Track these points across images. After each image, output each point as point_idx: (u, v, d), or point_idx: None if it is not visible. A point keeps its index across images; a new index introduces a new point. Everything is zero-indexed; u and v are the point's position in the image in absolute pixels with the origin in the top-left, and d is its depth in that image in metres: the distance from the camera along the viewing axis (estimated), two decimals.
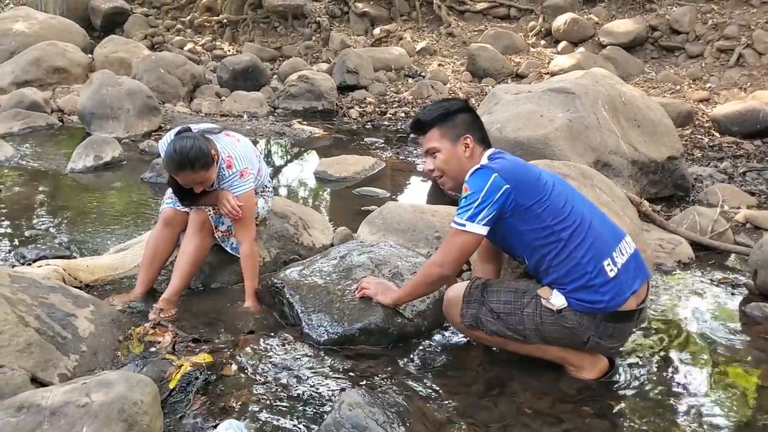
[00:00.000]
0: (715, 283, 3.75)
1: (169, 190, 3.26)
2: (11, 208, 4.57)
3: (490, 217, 2.42)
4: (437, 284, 2.77)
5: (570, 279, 2.46)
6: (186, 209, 3.26)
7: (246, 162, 3.17)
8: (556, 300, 2.48)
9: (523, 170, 2.52)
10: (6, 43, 9.59)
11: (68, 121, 7.43)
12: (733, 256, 4.20)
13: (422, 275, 2.69)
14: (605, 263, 2.46)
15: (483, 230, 2.45)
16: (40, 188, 5.13)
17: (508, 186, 2.41)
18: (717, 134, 7.58)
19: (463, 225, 2.45)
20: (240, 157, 3.15)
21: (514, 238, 2.55)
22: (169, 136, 3.05)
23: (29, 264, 3.41)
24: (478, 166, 2.49)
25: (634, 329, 2.80)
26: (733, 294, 3.62)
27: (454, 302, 2.69)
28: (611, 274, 2.46)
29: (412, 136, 7.33)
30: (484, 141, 2.63)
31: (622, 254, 2.54)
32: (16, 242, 3.94)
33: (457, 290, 2.71)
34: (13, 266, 3.44)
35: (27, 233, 4.07)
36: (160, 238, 3.27)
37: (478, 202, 2.42)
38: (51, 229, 4.19)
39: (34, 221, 4.34)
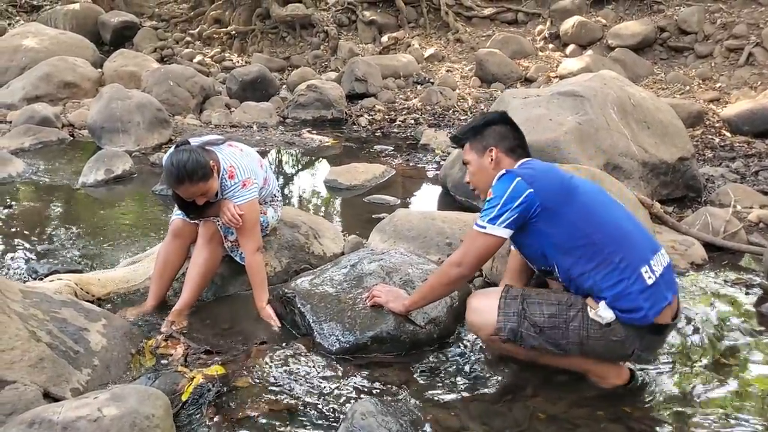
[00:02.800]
0: (729, 284, 3.71)
1: None
2: (23, 223, 4.60)
3: (511, 219, 2.41)
4: (454, 285, 2.73)
5: (607, 285, 2.39)
6: (195, 221, 3.26)
7: (249, 172, 3.17)
8: (605, 312, 2.39)
9: (549, 174, 2.51)
10: (17, 59, 9.69)
11: (79, 136, 7.48)
12: (746, 256, 4.16)
13: (439, 276, 2.65)
14: (643, 270, 2.41)
15: (504, 233, 2.44)
16: (52, 203, 5.17)
17: (531, 190, 2.39)
18: (728, 134, 7.52)
19: (484, 227, 2.44)
20: (243, 167, 3.15)
21: (544, 243, 2.48)
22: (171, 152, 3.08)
23: (41, 279, 3.43)
24: (503, 171, 2.50)
25: None
26: (747, 294, 3.58)
27: (483, 311, 2.56)
28: (649, 282, 2.40)
29: (422, 142, 7.34)
30: (515, 151, 2.62)
31: (659, 264, 2.48)
32: (28, 257, 3.96)
33: (484, 300, 2.60)
34: (25, 281, 3.46)
35: (39, 248, 4.09)
36: (170, 250, 3.28)
37: (499, 205, 2.41)
38: (63, 244, 4.21)
39: (46, 236, 4.36)
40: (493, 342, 2.60)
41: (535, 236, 2.49)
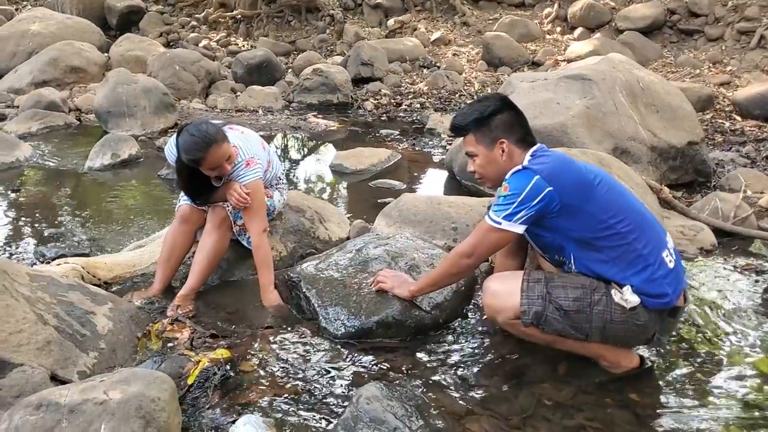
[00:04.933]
0: (739, 270, 3.69)
1: None
2: (30, 208, 4.61)
3: (528, 216, 2.37)
4: (462, 275, 2.74)
5: (633, 272, 2.38)
6: (202, 207, 3.26)
7: (251, 152, 3.16)
8: (631, 297, 2.37)
9: (566, 169, 2.43)
10: (24, 44, 9.65)
11: (85, 120, 7.47)
12: (756, 241, 4.13)
13: (448, 265, 2.62)
14: (664, 254, 2.43)
15: (519, 229, 2.40)
16: (59, 187, 5.17)
17: (551, 188, 2.33)
18: (738, 118, 7.45)
19: (500, 223, 2.39)
20: (244, 147, 3.15)
21: (563, 236, 2.45)
22: (173, 140, 3.07)
23: (48, 262, 3.44)
24: (519, 167, 2.42)
25: None
26: (757, 281, 3.56)
27: (503, 295, 2.51)
28: (671, 265, 2.43)
29: (428, 127, 7.29)
30: (525, 140, 2.53)
31: (672, 246, 2.51)
32: (36, 241, 3.97)
33: (504, 283, 2.56)
34: (33, 265, 3.47)
35: (46, 232, 4.10)
36: (177, 236, 3.27)
37: (516, 204, 2.36)
38: (69, 227, 4.22)
39: (53, 220, 4.37)
40: (513, 326, 2.54)
41: (553, 230, 2.45)
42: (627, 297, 2.38)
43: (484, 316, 2.94)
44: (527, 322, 2.45)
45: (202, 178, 3.12)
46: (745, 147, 6.33)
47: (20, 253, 3.79)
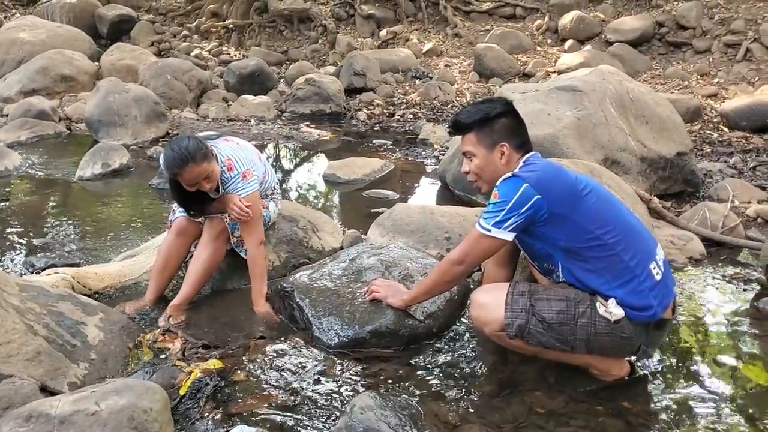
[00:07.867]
0: (727, 279, 3.72)
1: None
2: (20, 217, 4.58)
3: (517, 224, 2.38)
4: (454, 282, 2.73)
5: (619, 283, 2.39)
6: (198, 219, 3.25)
7: (248, 163, 3.15)
8: (616, 309, 2.38)
9: (555, 177, 2.44)
10: (13, 52, 9.62)
11: (76, 129, 7.44)
12: (744, 251, 4.16)
13: (440, 273, 2.62)
14: (651, 266, 2.43)
15: (509, 236, 2.41)
16: (49, 196, 5.14)
17: (540, 196, 2.34)
18: (726, 129, 7.53)
19: (489, 230, 2.40)
20: (240, 159, 3.14)
21: (550, 245, 2.46)
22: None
23: (38, 272, 3.42)
24: (509, 174, 2.42)
25: None
26: (745, 290, 3.58)
27: (489, 307, 2.54)
28: (658, 278, 2.43)
29: (421, 137, 7.31)
30: (524, 146, 2.54)
31: (661, 258, 2.52)
32: (26, 251, 3.95)
33: (490, 295, 2.59)
34: (22, 275, 3.44)
35: (36, 242, 4.08)
36: (172, 248, 3.25)
37: (505, 211, 2.36)
38: (59, 237, 4.20)
39: (43, 229, 4.34)
40: (499, 338, 2.56)
41: (541, 239, 2.46)
42: (611, 310, 2.39)
43: None
44: (511, 335, 2.48)
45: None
46: (733, 158, 6.39)
47: (10, 263, 3.76)
